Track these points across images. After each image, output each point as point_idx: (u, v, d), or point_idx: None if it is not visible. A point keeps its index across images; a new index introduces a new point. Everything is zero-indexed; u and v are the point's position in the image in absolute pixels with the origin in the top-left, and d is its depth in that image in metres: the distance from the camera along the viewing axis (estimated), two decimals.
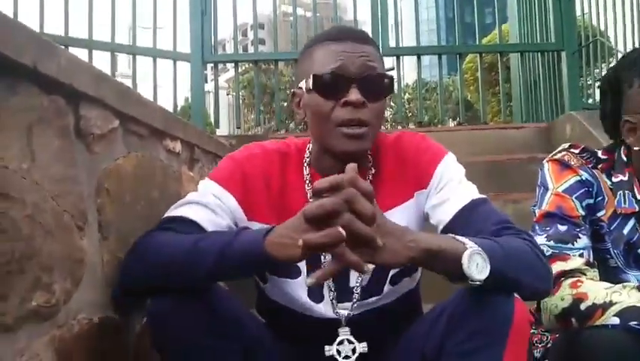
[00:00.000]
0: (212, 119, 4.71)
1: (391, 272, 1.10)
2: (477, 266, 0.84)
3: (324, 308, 1.09)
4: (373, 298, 1.10)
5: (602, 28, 4.13)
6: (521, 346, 0.91)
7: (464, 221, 1.02)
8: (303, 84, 1.06)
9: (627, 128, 1.24)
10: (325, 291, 1.09)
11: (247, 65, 8.54)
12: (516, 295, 0.92)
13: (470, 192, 1.07)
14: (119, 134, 1.10)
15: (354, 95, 0.99)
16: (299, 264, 1.07)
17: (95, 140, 1.00)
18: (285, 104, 5.86)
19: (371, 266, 0.83)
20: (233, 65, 4.15)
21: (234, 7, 3.90)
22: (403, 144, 1.13)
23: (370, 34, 3.90)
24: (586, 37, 4.07)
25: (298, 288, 1.09)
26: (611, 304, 1.07)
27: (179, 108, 4.32)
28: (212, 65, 3.92)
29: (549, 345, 1.30)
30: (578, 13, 4.01)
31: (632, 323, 1.04)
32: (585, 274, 1.19)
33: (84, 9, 3.45)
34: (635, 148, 1.24)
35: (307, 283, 0.83)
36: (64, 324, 0.86)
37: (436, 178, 1.08)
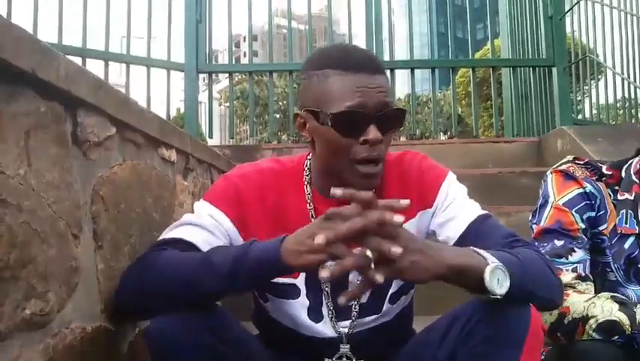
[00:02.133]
0: (203, 130, 4.71)
1: (390, 291, 1.12)
2: (498, 281, 0.85)
3: (324, 327, 1.10)
4: (372, 317, 1.12)
5: (592, 45, 4.21)
6: (537, 351, 0.92)
7: (473, 237, 1.03)
8: (313, 112, 1.03)
9: None
10: (324, 310, 1.10)
11: (240, 76, 8.56)
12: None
13: (475, 209, 1.09)
14: (115, 142, 1.10)
15: (373, 133, 0.98)
16: (298, 284, 1.08)
17: (92, 147, 0.99)
18: (278, 115, 5.86)
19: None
20: (225, 75, 4.15)
21: (229, 17, 3.92)
22: (404, 164, 1.13)
23: (364, 48, 3.95)
24: (575, 54, 4.14)
25: (298, 308, 1.10)
26: (587, 318, 1.09)
27: (170, 119, 4.31)
28: (205, 75, 3.92)
29: (542, 358, 1.30)
30: (568, 30, 4.08)
31: (615, 338, 1.06)
32: (574, 288, 1.19)
33: (78, 17, 3.45)
34: None
35: (340, 304, 0.83)
36: (57, 333, 0.84)
37: (441, 197, 1.10)
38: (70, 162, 0.91)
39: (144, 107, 1.28)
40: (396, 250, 0.79)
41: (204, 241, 1.01)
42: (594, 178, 1.28)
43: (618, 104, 4.42)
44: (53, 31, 3.33)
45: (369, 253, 0.80)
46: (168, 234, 1.04)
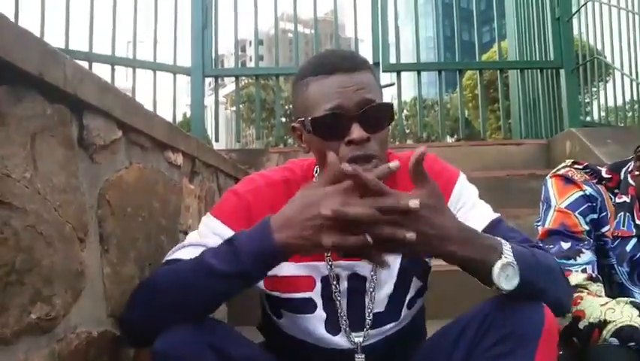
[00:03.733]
0: (209, 133, 4.72)
1: (408, 296, 1.10)
2: (507, 277, 0.86)
3: (341, 340, 1.08)
4: (391, 325, 1.09)
5: (600, 47, 4.18)
6: (552, 350, 0.91)
7: None
8: (301, 121, 1.04)
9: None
10: (341, 322, 1.07)
11: (246, 80, 8.57)
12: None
13: (487, 213, 1.08)
14: (121, 145, 1.09)
15: (356, 133, 0.96)
16: (314, 297, 1.06)
17: (98, 150, 0.99)
18: (284, 119, 5.87)
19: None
20: (231, 79, 4.16)
21: (235, 22, 3.92)
22: None
23: (371, 51, 3.94)
24: (583, 55, 4.11)
25: (315, 322, 1.07)
26: (605, 323, 1.08)
27: (176, 123, 4.32)
28: (211, 79, 3.93)
29: None
30: (576, 32, 4.06)
31: (631, 345, 1.05)
32: (587, 289, 1.18)
33: (85, 21, 3.47)
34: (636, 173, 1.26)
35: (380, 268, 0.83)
36: (63, 338, 0.84)
37: (454, 200, 1.07)
38: (76, 165, 0.90)
39: (150, 110, 1.28)
40: (412, 235, 0.79)
41: None
42: (594, 181, 1.29)
43: (627, 106, 4.39)
44: (60, 36, 3.35)
45: (369, 238, 0.80)
46: (172, 255, 1.02)
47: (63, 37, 3.38)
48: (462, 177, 1.11)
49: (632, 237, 1.24)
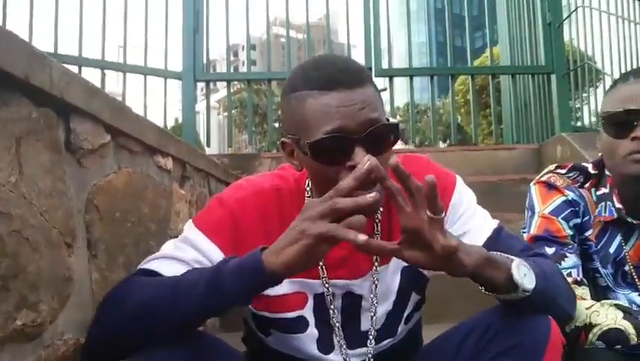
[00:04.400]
0: (201, 139, 4.71)
1: (406, 312, 1.06)
2: (525, 276, 0.84)
3: (334, 357, 1.02)
4: (387, 341, 1.05)
5: (590, 52, 4.22)
6: None
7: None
8: (295, 139, 0.94)
9: None
10: (335, 340, 1.02)
11: (239, 85, 8.56)
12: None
13: (487, 222, 1.03)
14: (110, 150, 1.08)
15: (360, 157, 0.85)
16: (306, 315, 1.01)
17: (86, 154, 0.98)
18: (277, 125, 5.86)
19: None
20: (224, 84, 4.16)
21: (227, 26, 3.92)
22: (410, 170, 0.99)
23: (363, 56, 3.93)
24: (574, 61, 4.14)
25: (307, 341, 1.01)
26: (591, 326, 1.09)
27: (168, 128, 4.31)
28: (203, 84, 3.92)
29: None
30: (567, 37, 4.09)
31: (617, 347, 1.06)
32: None
33: (74, 25, 3.44)
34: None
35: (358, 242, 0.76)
36: (50, 345, 0.82)
37: (452, 210, 1.01)
38: (63, 169, 0.89)
39: (139, 114, 1.27)
40: (361, 237, 0.75)
41: None
42: (576, 185, 1.30)
43: None
44: (49, 40, 3.32)
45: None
46: (146, 264, 0.94)
47: (52, 41, 3.35)
48: (460, 182, 1.05)
49: (617, 235, 1.25)
